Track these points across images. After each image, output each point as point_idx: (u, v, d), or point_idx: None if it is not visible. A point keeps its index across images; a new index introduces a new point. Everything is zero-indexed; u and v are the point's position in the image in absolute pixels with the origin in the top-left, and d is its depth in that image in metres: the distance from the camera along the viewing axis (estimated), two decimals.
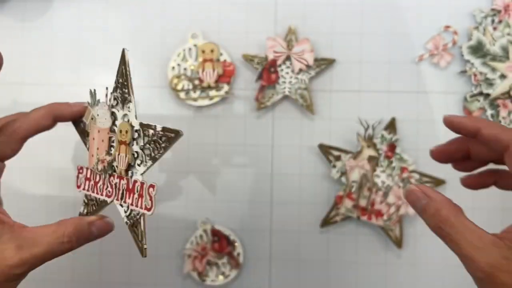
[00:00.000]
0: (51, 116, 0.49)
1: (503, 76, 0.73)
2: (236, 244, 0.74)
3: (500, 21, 0.75)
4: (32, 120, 0.48)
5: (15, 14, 0.79)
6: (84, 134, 0.53)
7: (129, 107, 0.46)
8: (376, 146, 0.74)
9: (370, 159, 0.73)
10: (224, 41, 0.77)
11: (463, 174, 0.78)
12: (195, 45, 0.76)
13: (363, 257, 0.76)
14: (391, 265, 0.75)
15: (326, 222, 0.74)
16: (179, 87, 0.76)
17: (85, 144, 0.52)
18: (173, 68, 0.76)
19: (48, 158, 0.78)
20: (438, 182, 0.74)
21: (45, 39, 0.79)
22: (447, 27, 0.76)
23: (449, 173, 0.78)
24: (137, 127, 0.45)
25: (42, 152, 0.78)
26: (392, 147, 0.74)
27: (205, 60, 0.76)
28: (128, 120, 0.46)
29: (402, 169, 0.73)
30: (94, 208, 0.51)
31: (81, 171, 0.54)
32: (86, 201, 0.52)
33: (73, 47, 0.79)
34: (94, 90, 0.50)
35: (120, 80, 0.47)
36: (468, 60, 0.75)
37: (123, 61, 0.49)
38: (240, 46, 0.77)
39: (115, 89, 0.47)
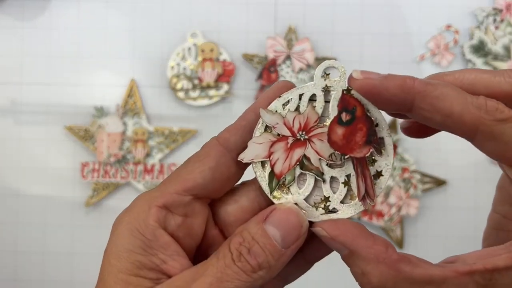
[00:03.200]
0: None
1: None
2: None
3: (501, 20, 0.74)
4: None
5: (13, 13, 0.79)
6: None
7: (141, 117, 0.73)
8: None
9: None
10: (223, 40, 0.77)
11: (463, 172, 0.77)
12: (194, 45, 0.76)
13: None
14: None
15: None
16: (179, 86, 0.76)
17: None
18: (172, 67, 0.76)
19: (47, 158, 0.78)
20: (439, 182, 0.73)
21: (43, 39, 0.78)
22: (448, 26, 0.76)
23: (450, 173, 0.77)
24: (151, 129, 0.70)
25: (41, 152, 0.78)
26: (393, 147, 0.73)
27: (204, 60, 0.75)
28: (142, 126, 0.71)
29: (403, 170, 0.73)
30: (104, 190, 0.71)
31: (86, 166, 0.74)
32: (95, 187, 0.75)
33: (72, 46, 0.78)
34: (101, 106, 0.75)
35: (133, 102, 0.70)
36: (470, 60, 0.74)
37: (133, 92, 0.72)
38: (240, 45, 0.77)
39: (124, 106, 0.69)
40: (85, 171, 0.75)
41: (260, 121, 0.28)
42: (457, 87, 0.25)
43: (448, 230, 0.75)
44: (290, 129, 0.27)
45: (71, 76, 0.78)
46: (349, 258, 0.26)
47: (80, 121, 0.77)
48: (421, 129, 0.30)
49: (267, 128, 0.28)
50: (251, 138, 0.28)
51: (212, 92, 0.75)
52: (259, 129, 0.28)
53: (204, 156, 0.27)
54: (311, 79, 0.75)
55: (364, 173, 0.27)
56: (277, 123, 0.27)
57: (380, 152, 0.27)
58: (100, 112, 0.75)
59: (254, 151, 0.28)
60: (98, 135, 0.75)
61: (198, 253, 0.28)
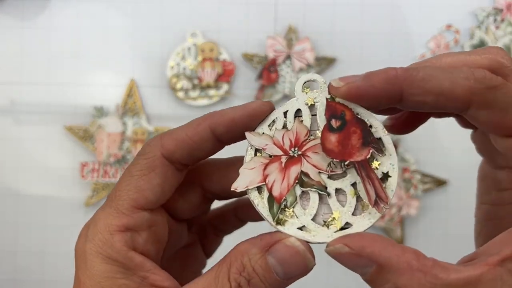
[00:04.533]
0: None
1: None
2: None
3: (502, 20, 0.74)
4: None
5: (13, 13, 0.79)
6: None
7: (140, 117, 0.72)
8: None
9: None
10: (223, 40, 0.77)
11: (463, 172, 0.77)
12: (194, 44, 0.76)
13: None
14: None
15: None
16: (178, 86, 0.75)
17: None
18: (172, 67, 0.76)
19: (46, 158, 0.78)
20: (440, 182, 0.73)
21: (43, 38, 0.78)
22: (449, 26, 0.76)
23: (451, 172, 0.77)
24: (151, 129, 0.70)
25: (40, 152, 0.78)
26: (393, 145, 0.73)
27: (204, 59, 0.75)
28: (142, 126, 0.72)
29: (404, 170, 0.73)
30: (104, 190, 0.71)
31: (86, 166, 0.74)
32: (94, 187, 0.75)
33: (71, 46, 0.78)
34: (101, 106, 0.75)
35: (132, 102, 0.71)
36: None
37: (133, 92, 0.72)
38: (240, 45, 0.77)
39: (124, 106, 0.70)
40: (85, 171, 0.75)
41: (248, 145, 0.26)
42: (439, 67, 0.25)
43: (448, 230, 0.75)
44: (281, 147, 0.26)
45: (71, 76, 0.78)
46: (377, 274, 0.23)
47: (80, 121, 0.76)
48: (405, 123, 0.30)
49: (256, 151, 0.26)
50: (199, 154, 0.27)
51: (212, 92, 0.75)
52: (249, 154, 0.26)
53: (149, 170, 0.26)
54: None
55: (369, 175, 0.25)
56: (267, 144, 0.26)
57: (381, 151, 0.25)
58: (100, 112, 0.75)
59: (247, 177, 0.26)
60: (97, 135, 0.74)
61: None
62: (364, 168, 0.25)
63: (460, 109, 0.24)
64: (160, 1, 0.78)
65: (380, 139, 0.26)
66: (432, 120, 0.78)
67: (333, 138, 0.25)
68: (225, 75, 0.75)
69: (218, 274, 0.24)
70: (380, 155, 0.25)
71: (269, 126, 0.26)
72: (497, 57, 0.26)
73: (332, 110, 0.26)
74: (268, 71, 0.74)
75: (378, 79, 0.25)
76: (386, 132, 0.26)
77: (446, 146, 0.75)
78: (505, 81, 0.24)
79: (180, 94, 0.75)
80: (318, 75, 0.27)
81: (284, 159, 0.26)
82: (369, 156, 0.25)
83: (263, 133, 0.26)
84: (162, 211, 0.28)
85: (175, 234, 0.30)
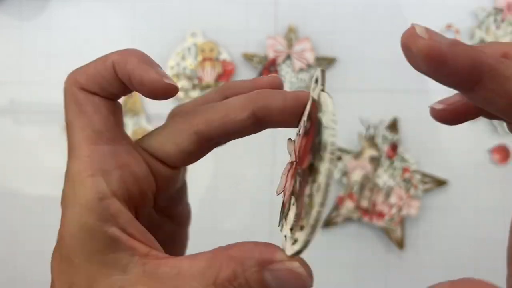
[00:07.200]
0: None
1: None
2: None
3: (502, 20, 0.74)
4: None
5: (12, 12, 0.79)
6: None
7: (141, 117, 0.73)
8: (377, 146, 0.73)
9: (372, 159, 0.73)
10: (223, 39, 0.77)
11: (463, 172, 0.77)
12: (194, 44, 0.76)
13: (364, 259, 0.75)
14: (392, 266, 0.75)
15: (327, 223, 0.74)
16: (178, 86, 0.75)
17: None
18: (172, 67, 0.76)
19: (46, 158, 0.78)
20: (440, 182, 0.73)
21: (42, 38, 0.78)
22: (449, 26, 0.76)
23: (451, 172, 0.77)
24: (151, 129, 0.75)
25: (40, 152, 0.78)
26: (393, 147, 0.73)
27: (204, 59, 0.75)
28: (142, 126, 0.73)
29: (404, 170, 0.73)
30: None
31: None
32: None
33: (71, 45, 0.78)
34: None
35: (132, 102, 0.71)
36: None
37: (133, 92, 0.75)
38: (240, 44, 0.76)
39: (124, 106, 0.67)
40: None
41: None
42: None
43: (449, 230, 0.75)
44: (295, 154, 0.24)
45: None
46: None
47: None
48: (455, 113, 0.26)
49: None
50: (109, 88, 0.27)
51: None
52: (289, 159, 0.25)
53: (78, 106, 0.27)
54: (311, 79, 0.74)
55: (302, 189, 0.21)
56: (292, 151, 0.24)
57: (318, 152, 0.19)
58: None
59: (281, 182, 0.25)
60: None
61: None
62: (302, 176, 0.21)
63: None
64: (160, 1, 0.77)
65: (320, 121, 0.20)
66: (433, 121, 0.78)
67: (303, 143, 0.22)
68: (225, 75, 0.75)
69: (204, 272, 0.21)
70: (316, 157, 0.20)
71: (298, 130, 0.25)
72: None
73: (311, 111, 0.22)
74: (268, 71, 0.74)
75: (465, 54, 0.20)
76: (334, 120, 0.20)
77: (446, 146, 0.75)
78: None
79: (180, 94, 0.75)
80: (319, 72, 0.23)
81: (293, 165, 0.24)
82: (310, 161, 0.20)
83: (294, 140, 0.25)
84: (129, 146, 0.26)
85: (164, 181, 0.27)
